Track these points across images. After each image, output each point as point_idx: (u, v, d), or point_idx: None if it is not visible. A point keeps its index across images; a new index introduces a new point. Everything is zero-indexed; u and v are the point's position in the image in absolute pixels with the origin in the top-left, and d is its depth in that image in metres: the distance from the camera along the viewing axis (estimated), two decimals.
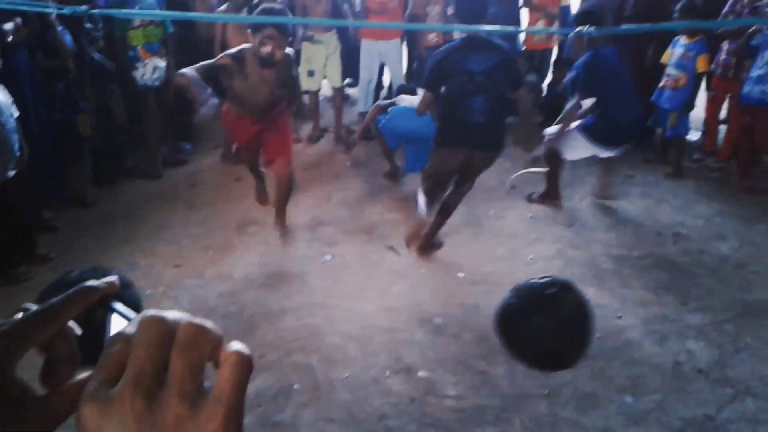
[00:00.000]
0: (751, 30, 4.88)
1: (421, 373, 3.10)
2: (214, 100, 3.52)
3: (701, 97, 5.47)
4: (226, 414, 0.35)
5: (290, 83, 3.90)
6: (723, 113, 5.65)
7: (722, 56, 5.23)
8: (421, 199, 3.96)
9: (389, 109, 4.90)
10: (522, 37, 6.46)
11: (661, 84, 5.20)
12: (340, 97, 6.21)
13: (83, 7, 3.28)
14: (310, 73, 5.94)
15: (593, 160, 4.87)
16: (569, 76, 4.47)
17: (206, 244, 4.35)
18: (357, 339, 3.36)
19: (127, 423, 0.35)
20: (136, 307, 0.47)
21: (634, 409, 2.86)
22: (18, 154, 3.70)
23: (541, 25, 6.21)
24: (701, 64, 4.98)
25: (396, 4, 5.89)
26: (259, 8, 3.62)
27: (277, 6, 3.71)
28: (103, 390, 0.36)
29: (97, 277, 0.48)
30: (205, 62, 3.58)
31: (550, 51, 6.51)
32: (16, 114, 3.71)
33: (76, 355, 0.46)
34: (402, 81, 6.00)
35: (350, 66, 6.42)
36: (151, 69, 5.11)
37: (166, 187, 5.30)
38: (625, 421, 2.80)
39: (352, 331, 3.42)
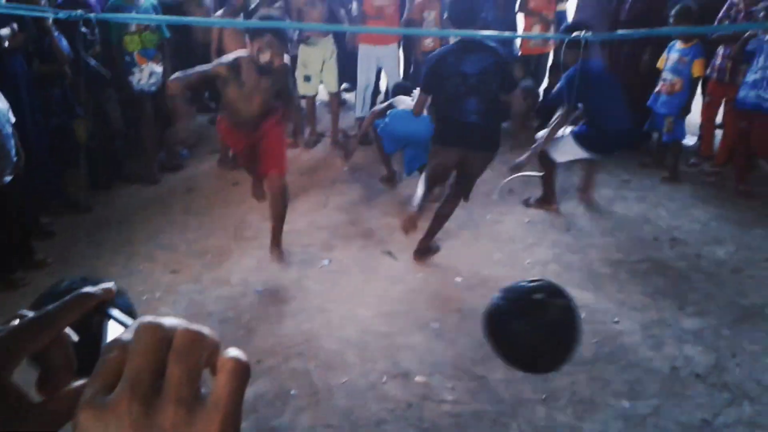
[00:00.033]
0: (746, 35, 4.92)
1: (419, 378, 3.10)
2: (192, 120, 3.48)
3: (697, 102, 5.49)
4: (223, 421, 0.35)
5: (286, 92, 3.83)
6: (719, 118, 5.67)
7: (718, 61, 5.26)
8: (420, 190, 4.06)
9: (388, 112, 4.91)
10: (518, 42, 6.49)
11: (657, 89, 5.22)
12: (337, 102, 6.21)
13: (78, 12, 3.28)
14: (307, 78, 5.94)
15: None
16: (557, 86, 4.51)
17: (203, 249, 4.35)
18: (354, 344, 3.35)
19: (124, 430, 0.35)
20: (129, 316, 0.47)
21: (632, 413, 2.86)
22: (15, 159, 3.70)
23: (537, 30, 6.23)
24: (697, 69, 5.00)
25: (393, 9, 5.90)
26: (257, 15, 3.63)
27: (275, 13, 3.69)
28: (100, 396, 0.36)
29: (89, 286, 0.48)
30: (199, 68, 3.54)
31: (546, 56, 6.53)
32: (13, 119, 3.70)
33: (72, 361, 0.46)
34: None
35: (347, 71, 6.44)
36: (147, 74, 5.11)
37: (163, 192, 5.29)
38: (623, 426, 2.80)
39: (349, 336, 3.42)
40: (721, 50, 5.23)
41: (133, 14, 4.84)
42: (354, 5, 6.23)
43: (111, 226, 4.68)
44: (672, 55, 5.11)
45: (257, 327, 3.51)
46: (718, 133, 5.67)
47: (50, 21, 4.15)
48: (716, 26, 5.22)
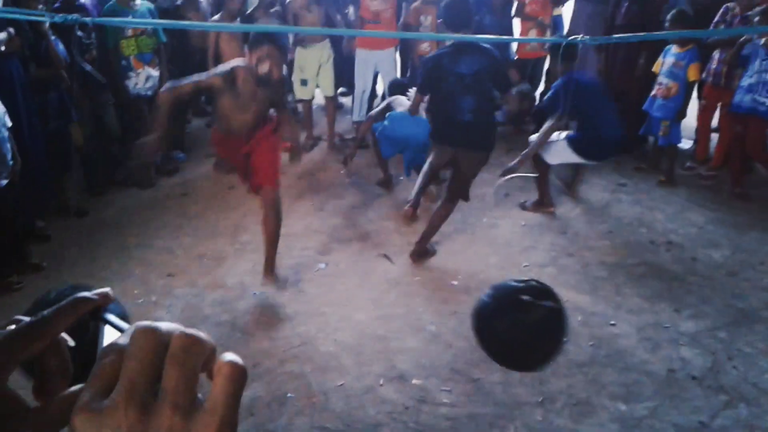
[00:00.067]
0: (741, 40, 4.93)
1: (415, 381, 3.10)
2: (153, 138, 3.31)
3: (693, 106, 5.50)
4: (220, 425, 0.35)
5: (282, 104, 3.73)
6: (714, 122, 5.69)
7: (713, 65, 5.27)
8: (417, 184, 4.28)
9: (387, 114, 4.91)
10: (514, 46, 6.50)
11: (652, 93, 5.23)
12: (333, 106, 6.22)
13: (74, 16, 3.28)
14: (303, 82, 5.95)
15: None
16: (548, 95, 4.57)
17: (199, 252, 4.34)
18: (351, 347, 3.35)
19: None
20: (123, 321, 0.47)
21: (628, 416, 2.87)
22: (11, 163, 3.69)
23: (533, 34, 6.24)
24: (692, 73, 5.01)
25: (390, 14, 5.91)
26: (258, 22, 3.59)
27: (274, 22, 3.66)
28: (96, 401, 0.36)
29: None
30: (194, 78, 3.44)
31: (542, 60, 6.54)
32: (9, 124, 3.70)
33: (68, 366, 0.46)
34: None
35: (343, 75, 6.45)
36: (143, 78, 5.11)
37: (159, 196, 5.28)
38: (619, 429, 2.80)
39: (346, 339, 3.42)
40: (716, 54, 5.25)
41: (130, 18, 4.85)
42: (351, 10, 6.25)
43: (107, 229, 4.67)
44: (667, 60, 5.13)
45: (253, 330, 3.51)
46: (714, 137, 5.68)
47: (47, 25, 4.14)
48: (712, 30, 5.24)
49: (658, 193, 5.19)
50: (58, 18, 2.75)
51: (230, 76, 3.35)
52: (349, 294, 3.84)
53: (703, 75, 5.25)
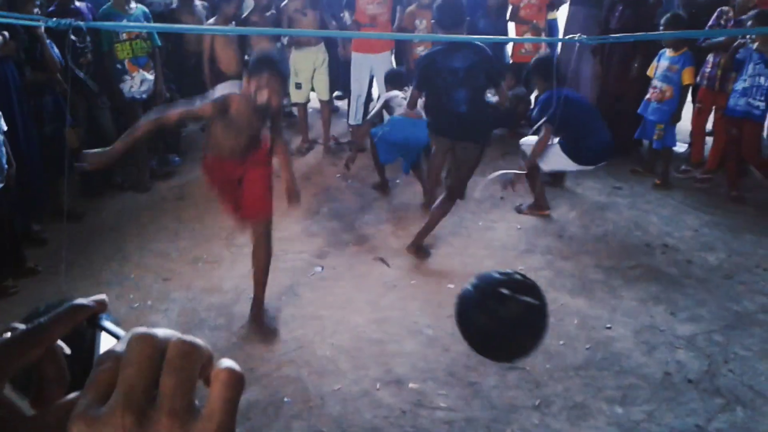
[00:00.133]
0: (735, 44, 4.96)
1: (412, 385, 3.09)
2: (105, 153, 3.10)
3: (687, 109, 5.53)
4: None
5: (278, 135, 3.48)
6: (709, 125, 5.71)
7: (707, 69, 5.30)
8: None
9: (387, 118, 4.91)
10: (509, 50, 6.52)
11: (647, 96, 5.25)
12: (328, 110, 6.23)
13: (68, 20, 3.27)
14: (298, 86, 5.96)
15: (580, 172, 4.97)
16: (535, 111, 4.65)
17: (195, 256, 4.33)
18: (347, 351, 3.35)
19: None
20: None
21: (625, 420, 2.87)
22: (6, 167, 3.68)
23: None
24: (687, 77, 5.04)
25: (385, 17, 5.94)
26: (255, 56, 3.33)
27: (274, 53, 3.38)
28: (93, 408, 0.35)
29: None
30: (183, 107, 3.26)
31: None
32: (5, 128, 3.69)
33: (65, 374, 0.46)
34: None
35: (338, 79, 6.45)
36: (138, 82, 5.11)
37: (155, 200, 5.27)
38: None
39: (342, 342, 3.41)
40: (710, 58, 5.28)
41: (124, 22, 4.84)
42: (346, 15, 6.26)
43: (102, 234, 4.66)
44: (662, 63, 5.15)
45: (250, 334, 3.50)
46: (709, 141, 5.70)
47: (42, 29, 4.14)
48: (707, 30, 5.27)
49: (653, 196, 5.21)
50: (52, 22, 2.74)
51: (222, 105, 3.16)
52: (346, 298, 3.84)
53: (698, 79, 5.28)
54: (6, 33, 3.94)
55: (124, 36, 4.98)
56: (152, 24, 5.21)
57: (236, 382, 0.37)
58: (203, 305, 3.79)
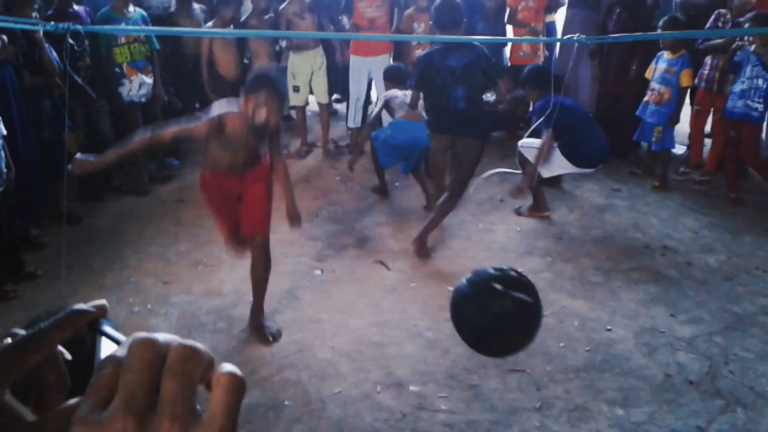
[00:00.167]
0: (734, 46, 4.98)
1: (413, 388, 3.09)
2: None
3: (686, 111, 5.53)
4: None
5: (277, 153, 3.43)
6: (707, 127, 5.72)
7: (706, 71, 5.31)
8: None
9: (390, 122, 4.91)
10: (507, 53, 6.52)
11: (645, 98, 5.26)
12: (327, 113, 6.23)
13: (65, 24, 3.27)
14: (295, 89, 5.97)
15: (579, 175, 4.98)
16: (533, 120, 4.66)
17: (195, 259, 4.33)
18: (347, 354, 3.34)
19: None
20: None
21: (626, 421, 2.87)
22: (5, 172, 3.68)
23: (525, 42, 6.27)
24: (685, 79, 5.05)
25: (383, 21, 5.95)
26: (253, 74, 3.26)
27: (271, 71, 3.33)
28: (95, 413, 0.35)
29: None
30: (177, 126, 3.20)
31: None
32: (4, 132, 3.69)
33: (66, 380, 0.46)
34: None
35: (337, 82, 6.46)
36: (137, 85, 5.11)
37: (154, 204, 5.27)
38: None
39: (342, 346, 3.41)
40: (708, 60, 5.29)
41: (123, 26, 4.85)
42: (344, 19, 6.28)
43: (102, 237, 4.66)
44: (660, 66, 5.16)
45: (250, 338, 3.50)
46: (707, 142, 5.71)
47: (41, 33, 4.13)
48: (706, 30, 5.28)
49: (652, 198, 5.21)
50: (50, 26, 2.74)
51: (218, 124, 3.11)
52: (346, 301, 3.83)
53: (696, 81, 5.29)
54: (4, 37, 3.94)
55: (123, 40, 4.99)
56: (150, 27, 5.22)
57: (237, 386, 0.37)
58: (203, 308, 3.78)
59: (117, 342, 0.44)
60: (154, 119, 5.32)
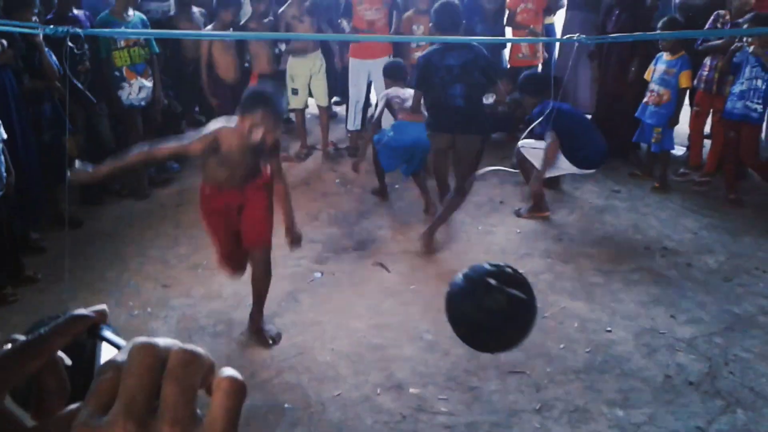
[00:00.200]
0: (733, 47, 4.98)
1: (413, 390, 3.09)
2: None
3: (685, 113, 5.54)
4: None
5: (277, 170, 3.37)
6: (707, 128, 5.72)
7: (705, 72, 5.31)
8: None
9: (391, 124, 4.91)
10: (507, 55, 6.53)
11: (644, 100, 5.27)
12: (327, 116, 6.23)
13: (65, 28, 3.27)
14: (294, 92, 5.97)
15: (579, 176, 4.98)
16: (535, 125, 4.68)
17: (194, 263, 4.33)
18: (347, 356, 3.34)
19: None
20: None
21: (626, 422, 2.87)
22: (5, 176, 3.68)
23: (524, 45, 6.26)
24: (684, 80, 5.05)
25: (383, 23, 5.96)
26: (249, 92, 3.20)
27: (268, 88, 3.26)
28: (95, 418, 0.35)
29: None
30: (173, 143, 3.18)
31: (534, 69, 6.56)
32: (4, 136, 3.69)
33: (66, 385, 0.46)
34: None
35: (336, 84, 6.46)
36: (136, 89, 5.11)
37: (154, 207, 5.27)
38: None
39: (342, 348, 3.41)
40: (707, 61, 5.29)
41: (122, 29, 4.85)
42: (344, 22, 6.29)
43: (101, 240, 4.66)
44: (659, 67, 5.17)
45: (250, 341, 3.50)
46: (707, 143, 5.71)
47: (40, 36, 4.14)
48: (705, 30, 5.28)
49: (652, 199, 5.22)
50: (50, 30, 2.75)
51: (213, 142, 3.08)
52: (345, 303, 3.83)
53: (695, 82, 5.29)
54: (4, 41, 3.94)
55: (122, 43, 4.99)
56: (150, 30, 5.22)
57: (238, 390, 0.37)
58: (203, 312, 3.78)
59: (117, 347, 0.44)
60: (153, 122, 5.34)
